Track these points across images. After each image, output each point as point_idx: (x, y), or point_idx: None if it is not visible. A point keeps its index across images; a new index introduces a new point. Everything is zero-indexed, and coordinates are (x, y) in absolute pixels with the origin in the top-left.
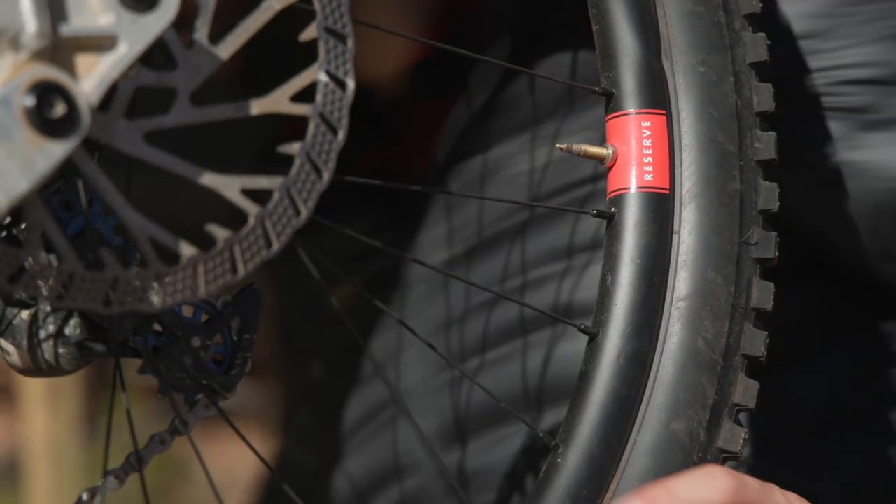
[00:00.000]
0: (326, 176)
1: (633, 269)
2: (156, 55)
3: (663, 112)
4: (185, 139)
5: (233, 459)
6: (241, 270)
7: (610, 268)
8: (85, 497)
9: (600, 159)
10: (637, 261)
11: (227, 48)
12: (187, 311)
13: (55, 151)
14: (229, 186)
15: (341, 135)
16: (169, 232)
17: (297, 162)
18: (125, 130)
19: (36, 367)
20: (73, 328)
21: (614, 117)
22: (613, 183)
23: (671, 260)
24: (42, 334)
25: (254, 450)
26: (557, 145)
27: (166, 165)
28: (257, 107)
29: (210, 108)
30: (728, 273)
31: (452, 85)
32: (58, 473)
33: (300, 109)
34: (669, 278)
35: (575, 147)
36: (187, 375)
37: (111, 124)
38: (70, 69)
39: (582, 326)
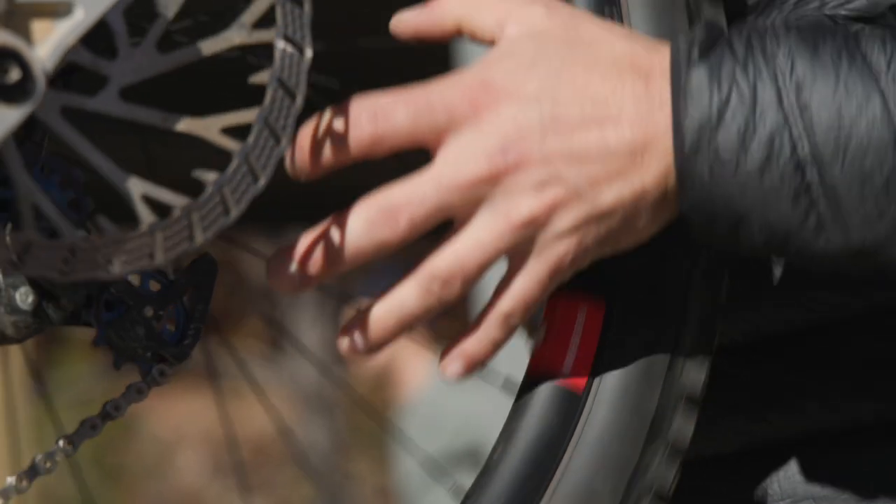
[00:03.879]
0: (284, 142)
1: None
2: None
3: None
4: None
5: (180, 416)
6: (199, 238)
7: None
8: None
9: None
10: None
11: (171, 61)
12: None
13: (9, 117)
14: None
15: (299, 100)
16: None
17: (256, 129)
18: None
19: None
20: (23, 296)
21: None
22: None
23: None
24: None
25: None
26: None
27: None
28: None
29: (137, 108)
30: None
31: None
32: (8, 428)
33: (258, 78)
34: None
35: None
36: (139, 345)
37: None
38: (25, 35)
39: None
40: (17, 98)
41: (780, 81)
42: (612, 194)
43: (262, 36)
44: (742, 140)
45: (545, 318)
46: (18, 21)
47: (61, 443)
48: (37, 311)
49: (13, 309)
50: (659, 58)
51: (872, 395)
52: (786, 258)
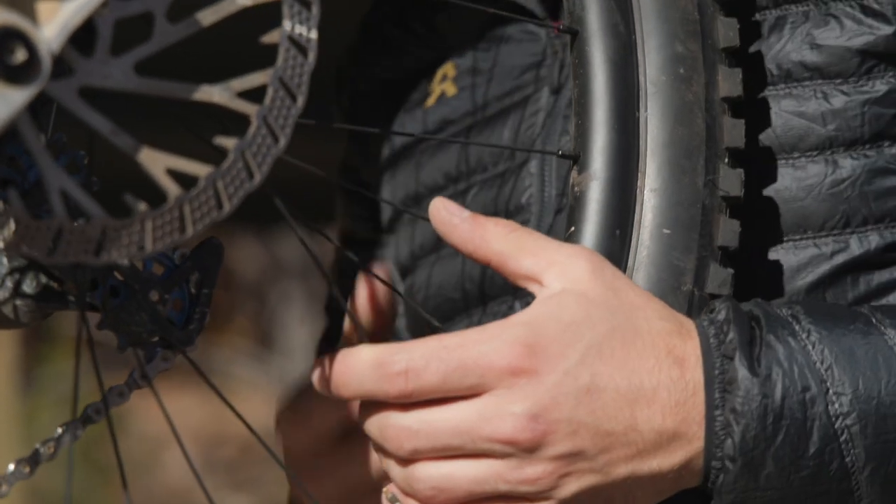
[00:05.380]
0: (283, 141)
1: None
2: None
3: None
4: None
5: (174, 411)
6: (190, 230)
7: None
8: (42, 449)
9: None
10: None
11: (143, 86)
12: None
13: (15, 98)
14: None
15: (300, 101)
16: (84, 190)
17: (254, 125)
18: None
19: None
20: (31, 281)
21: None
22: None
23: None
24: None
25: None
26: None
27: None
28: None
29: (89, 110)
30: None
31: None
32: None
33: (259, 77)
34: None
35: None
36: (144, 329)
37: None
38: (31, 15)
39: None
40: (23, 79)
41: (827, 392)
42: (627, 470)
43: (241, 106)
44: (795, 453)
45: None
46: (24, 1)
47: (42, 449)
48: (42, 294)
49: (19, 293)
50: (692, 344)
51: None
52: None
